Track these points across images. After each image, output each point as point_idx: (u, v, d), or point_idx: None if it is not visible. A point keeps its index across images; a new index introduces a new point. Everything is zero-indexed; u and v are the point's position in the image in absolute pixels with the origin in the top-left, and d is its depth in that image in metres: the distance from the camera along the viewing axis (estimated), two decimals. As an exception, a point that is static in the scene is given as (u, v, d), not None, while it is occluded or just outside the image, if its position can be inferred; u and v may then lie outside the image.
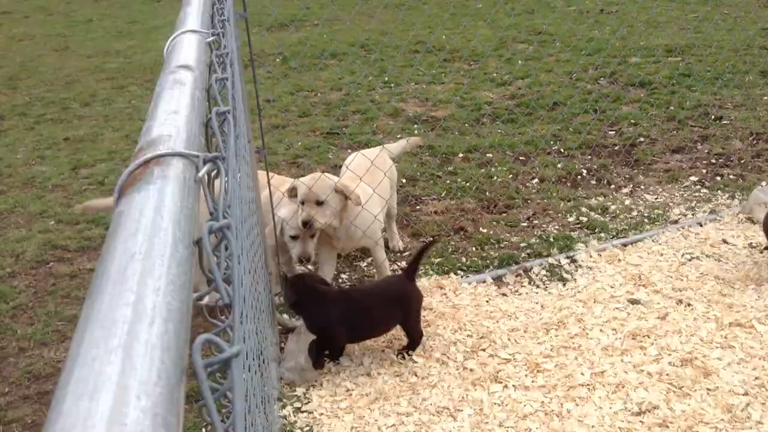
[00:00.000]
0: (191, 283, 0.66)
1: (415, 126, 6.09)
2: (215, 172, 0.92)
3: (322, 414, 2.74)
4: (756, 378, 2.75)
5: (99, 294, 0.57)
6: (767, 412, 2.57)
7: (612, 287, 3.53)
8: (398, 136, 5.95)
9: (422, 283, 3.62)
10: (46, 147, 6.10)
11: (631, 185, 4.81)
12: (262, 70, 7.88)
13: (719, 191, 4.59)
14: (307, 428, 2.66)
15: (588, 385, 2.81)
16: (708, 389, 2.72)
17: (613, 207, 4.46)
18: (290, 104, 6.91)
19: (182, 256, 0.65)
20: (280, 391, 2.85)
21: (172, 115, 0.92)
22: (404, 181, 5.02)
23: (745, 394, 2.67)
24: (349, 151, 5.66)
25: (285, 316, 3.36)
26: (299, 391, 2.87)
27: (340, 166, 5.35)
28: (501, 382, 2.87)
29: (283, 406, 2.77)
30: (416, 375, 2.94)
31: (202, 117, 1.03)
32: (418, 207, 4.64)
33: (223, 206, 0.88)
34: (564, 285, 3.61)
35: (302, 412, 2.75)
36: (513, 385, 2.85)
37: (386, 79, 7.56)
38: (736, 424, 2.54)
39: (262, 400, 2.10)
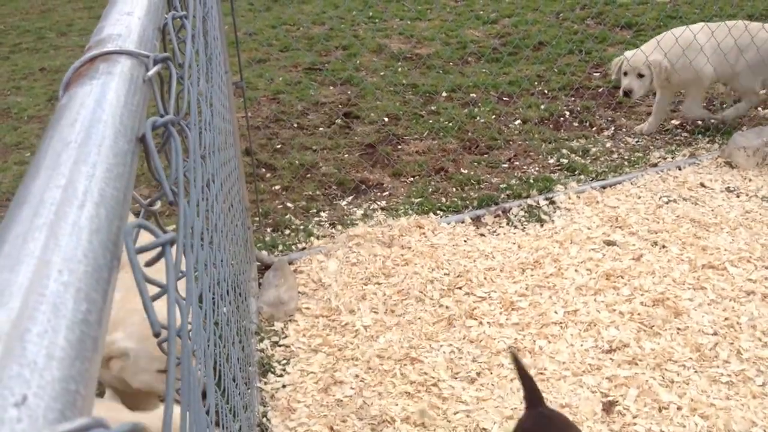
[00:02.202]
0: (132, 178, 0.67)
1: (399, 63, 5.99)
2: (173, 78, 0.91)
3: (299, 348, 2.78)
4: (725, 319, 2.82)
5: (30, 180, 0.58)
6: (734, 351, 2.64)
7: (589, 229, 3.56)
8: (381, 73, 5.86)
9: (401, 222, 3.64)
10: (22, 77, 5.94)
11: (613, 128, 4.80)
12: (243, 1, 7.67)
13: (700, 135, 4.60)
14: (284, 361, 2.70)
15: (561, 323, 2.87)
16: (678, 329, 2.78)
17: (594, 149, 4.46)
18: (272, 38, 6.76)
19: (121, 149, 0.65)
20: (258, 326, 2.88)
21: (125, 16, 0.91)
22: (386, 119, 4.97)
23: (714, 334, 2.74)
24: (331, 87, 5.59)
25: (264, 252, 3.36)
26: (277, 325, 2.90)
27: (323, 103, 5.30)
28: (476, 319, 2.92)
29: (261, 340, 2.81)
30: (393, 312, 2.97)
31: (159, 22, 1.01)
32: (399, 147, 4.61)
33: (173, 105, 0.87)
34: (542, 226, 3.64)
35: (280, 345, 2.79)
36: (487, 323, 2.89)
37: (370, 14, 7.40)
38: (704, 363, 2.61)
39: (238, 331, 2.12)
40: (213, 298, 1.50)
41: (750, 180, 3.95)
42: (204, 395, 1.04)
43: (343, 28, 7.01)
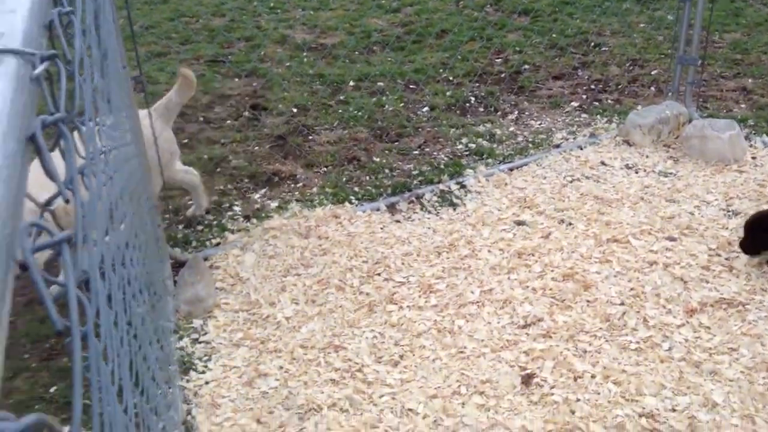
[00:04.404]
0: (24, 178, 0.66)
1: (304, 54, 5.94)
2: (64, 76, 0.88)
3: (220, 343, 2.72)
4: (631, 289, 2.97)
5: None
6: (641, 319, 2.79)
7: (499, 210, 3.66)
8: (287, 64, 5.79)
9: (317, 212, 3.61)
10: None
11: (517, 112, 4.94)
12: (138, -7, 7.37)
13: (598, 116, 4.80)
14: (206, 358, 2.63)
15: (477, 302, 2.94)
16: (588, 301, 2.91)
17: (499, 133, 4.58)
18: (171, 31, 6.54)
19: (10, 150, 0.64)
20: (177, 324, 2.80)
21: (8, 14, 0.88)
22: (295, 110, 4.92)
23: (621, 304, 2.88)
24: (236, 79, 5.47)
25: (177, 249, 3.26)
26: (196, 322, 2.83)
27: (228, 96, 5.18)
28: (396, 304, 2.95)
29: (180, 338, 2.73)
30: (314, 302, 2.96)
31: (44, 19, 0.97)
32: (310, 137, 4.58)
33: (64, 103, 0.85)
34: (454, 210, 3.71)
35: (200, 342, 2.72)
36: (407, 306, 2.93)
37: (272, 4, 7.29)
38: (614, 332, 2.73)
39: (155, 330, 2.05)
40: (124, 298, 1.44)
41: (647, 156, 4.16)
42: (120, 394, 1.00)
43: (245, 19, 6.87)
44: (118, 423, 0.95)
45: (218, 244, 3.38)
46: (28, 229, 0.60)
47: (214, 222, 3.57)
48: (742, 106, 4.82)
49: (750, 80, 5.23)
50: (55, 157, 0.76)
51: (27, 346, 2.73)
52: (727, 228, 3.35)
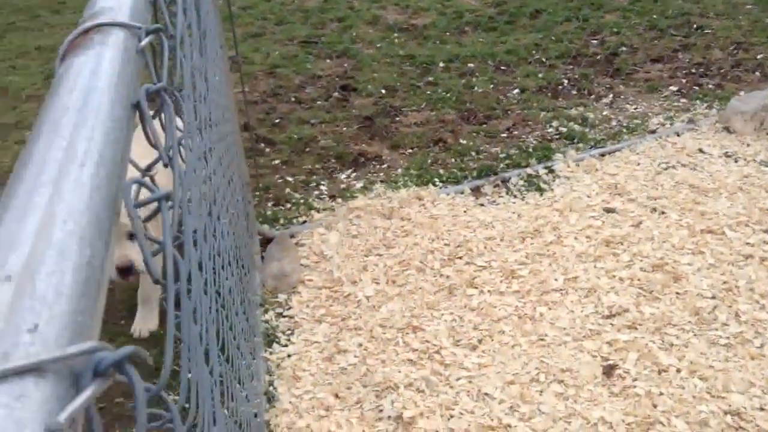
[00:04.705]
0: (129, 142, 0.70)
1: (395, 35, 5.95)
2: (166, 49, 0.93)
3: (302, 318, 2.81)
4: (724, 282, 2.84)
5: (32, 144, 0.60)
6: (732, 314, 2.67)
7: (588, 196, 3.57)
8: (377, 45, 5.82)
9: (401, 194, 3.64)
10: (17, 56, 5.90)
11: (611, 95, 4.78)
12: (236, -25, 7.58)
13: (698, 101, 4.58)
14: (289, 332, 2.72)
15: (561, 290, 2.89)
16: (677, 293, 2.80)
17: (592, 117, 4.45)
18: (266, 11, 6.70)
19: (117, 114, 0.69)
20: (263, 298, 2.91)
21: None
22: (383, 91, 4.95)
23: (713, 297, 2.76)
24: (328, 60, 5.55)
25: (265, 226, 3.38)
26: (281, 297, 2.93)
27: (319, 77, 5.27)
28: (477, 288, 2.94)
29: (266, 311, 2.83)
30: (394, 283, 2.99)
31: None
32: (397, 118, 4.60)
33: (166, 75, 0.90)
34: (541, 195, 3.64)
35: (284, 317, 2.82)
36: (488, 291, 2.91)
37: (366, -15, 7.32)
38: (703, 326, 2.63)
39: (242, 302, 2.14)
40: (213, 268, 1.51)
41: (748, 145, 3.94)
42: (207, 358, 1.06)
43: (340, 0, 6.95)
44: (204, 384, 1.01)
45: (304, 222, 3.47)
46: (131, 185, 0.66)
47: (302, 200, 3.66)
48: None
49: None
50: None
51: (124, 312, 2.91)
52: (836, 222, 3.13)
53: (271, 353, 2.61)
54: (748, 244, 3.06)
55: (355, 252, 3.20)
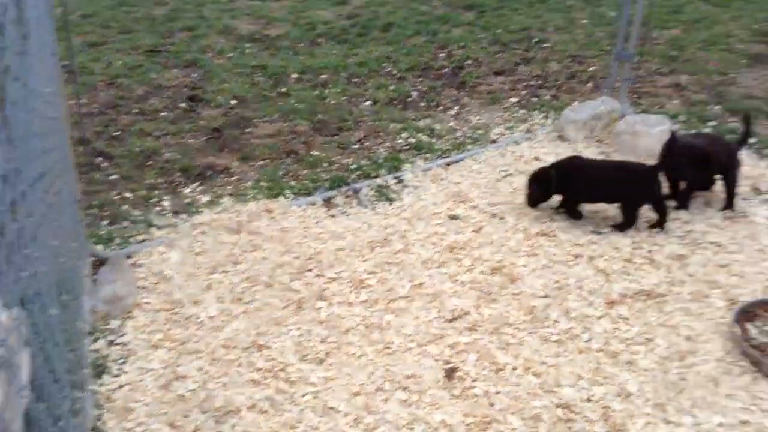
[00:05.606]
0: None
1: (247, 45, 5.86)
2: None
3: (137, 345, 2.66)
4: (556, 282, 3.01)
5: None
6: (563, 312, 2.83)
7: (434, 204, 3.67)
8: (228, 55, 5.70)
9: (250, 207, 3.57)
10: None
11: (457, 107, 4.96)
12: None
13: (535, 111, 4.85)
14: (122, 360, 2.57)
15: (407, 297, 2.94)
16: (513, 294, 2.94)
17: (439, 128, 4.60)
18: (110, 19, 6.39)
19: None
20: (93, 325, 2.72)
21: None
22: (234, 102, 4.86)
23: (545, 296, 2.92)
24: (175, 70, 5.36)
25: (99, 247, 3.18)
26: (114, 323, 2.76)
27: (166, 87, 5.07)
28: (326, 300, 2.93)
29: (95, 340, 2.66)
30: (240, 300, 2.92)
31: None
32: (248, 130, 4.52)
33: None
34: (391, 204, 3.70)
35: (116, 344, 2.65)
36: (337, 302, 2.91)
37: (216, -6, 7.18)
38: (537, 324, 2.77)
39: (66, 332, 1.99)
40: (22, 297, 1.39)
41: (580, 152, 4.21)
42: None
43: (188, 8, 6.76)
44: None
45: (143, 240, 3.31)
46: None
47: (141, 218, 3.49)
48: (675, 102, 4.93)
49: (684, 76, 5.35)
50: None
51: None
52: (649, 221, 3.42)
53: (101, 385, 2.45)
54: (577, 244, 3.27)
55: (198, 270, 3.09)
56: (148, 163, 4.03)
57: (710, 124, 4.52)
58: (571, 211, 3.51)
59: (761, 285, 2.94)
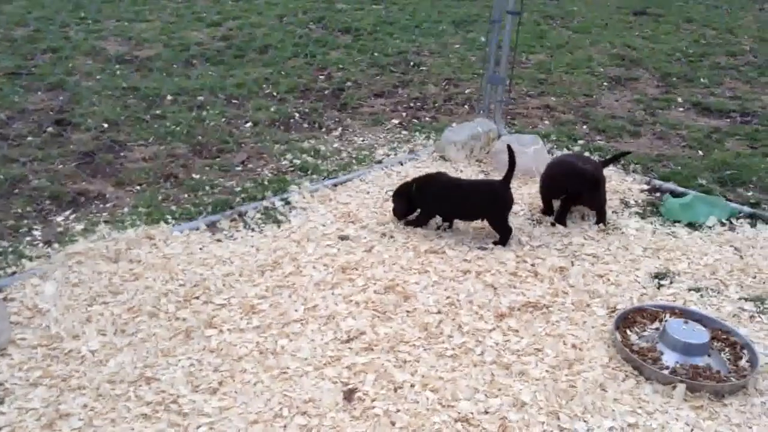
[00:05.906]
0: None
1: (117, 66, 5.60)
2: None
3: (15, 384, 2.44)
4: (447, 297, 3.07)
5: None
6: (456, 326, 2.88)
7: (324, 225, 3.65)
8: (97, 77, 5.43)
9: (128, 234, 3.39)
10: None
11: (341, 128, 4.99)
12: None
13: (417, 132, 4.97)
14: (-4, 402, 2.35)
15: (301, 320, 2.89)
16: (407, 311, 2.96)
17: (324, 149, 4.60)
18: (-39, 39, 5.91)
19: None
20: (-39, 367, 2.47)
21: None
22: (105, 125, 4.62)
23: (438, 312, 2.97)
24: (39, 93, 5.03)
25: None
26: (-15, 363, 2.52)
27: (30, 111, 4.74)
28: (215, 328, 2.82)
29: (-37, 383, 2.41)
30: (123, 332, 2.75)
31: None
32: (122, 154, 4.31)
33: None
34: (279, 227, 3.65)
35: (-12, 385, 2.42)
36: (228, 329, 2.81)
37: (82, 14, 6.83)
38: (431, 340, 2.80)
39: None
40: None
41: (461, 171, 4.36)
42: None
43: (52, 29, 6.38)
44: None
45: (14, 273, 3.06)
46: None
47: (10, 249, 3.22)
48: (546, 122, 5.22)
49: (552, 98, 5.69)
50: None
51: None
52: (531, 236, 3.58)
53: (-28, 432, 2.23)
54: (465, 260, 3.36)
55: (76, 302, 2.89)
56: (15, 191, 3.73)
57: (580, 142, 4.82)
58: (419, 222, 3.66)
59: (636, 293, 3.15)
